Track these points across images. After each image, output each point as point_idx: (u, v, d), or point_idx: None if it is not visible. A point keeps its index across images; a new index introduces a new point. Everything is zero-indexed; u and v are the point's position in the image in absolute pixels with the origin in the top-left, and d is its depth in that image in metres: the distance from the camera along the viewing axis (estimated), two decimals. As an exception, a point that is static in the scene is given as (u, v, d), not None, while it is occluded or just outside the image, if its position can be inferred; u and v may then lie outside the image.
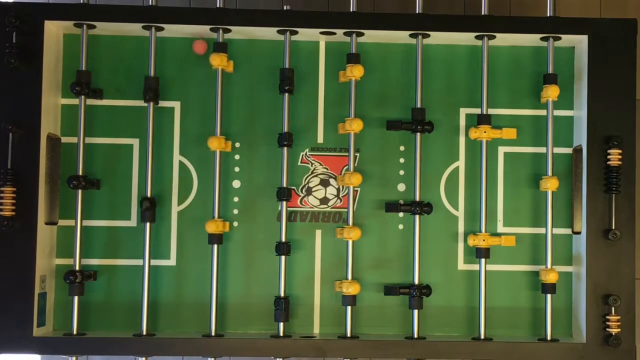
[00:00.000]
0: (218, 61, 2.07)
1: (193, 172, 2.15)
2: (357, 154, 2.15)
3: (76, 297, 2.04)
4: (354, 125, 2.07)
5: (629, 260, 2.05)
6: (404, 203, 2.13)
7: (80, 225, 2.06)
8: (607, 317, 2.03)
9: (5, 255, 1.99)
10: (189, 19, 2.08)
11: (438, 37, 2.13)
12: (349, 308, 2.07)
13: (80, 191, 2.05)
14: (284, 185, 2.10)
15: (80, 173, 2.05)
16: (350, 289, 2.05)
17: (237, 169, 2.16)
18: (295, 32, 2.11)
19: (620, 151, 2.05)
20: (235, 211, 2.15)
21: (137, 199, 2.12)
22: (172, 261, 2.13)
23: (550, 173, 2.09)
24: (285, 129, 2.10)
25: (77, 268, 2.05)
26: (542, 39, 2.12)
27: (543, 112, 2.14)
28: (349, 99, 2.10)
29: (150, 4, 2.11)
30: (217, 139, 2.07)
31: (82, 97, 2.06)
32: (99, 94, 2.11)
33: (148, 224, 2.06)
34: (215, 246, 2.06)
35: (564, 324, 2.14)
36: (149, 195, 2.07)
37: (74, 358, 2.06)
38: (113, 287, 2.12)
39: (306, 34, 2.13)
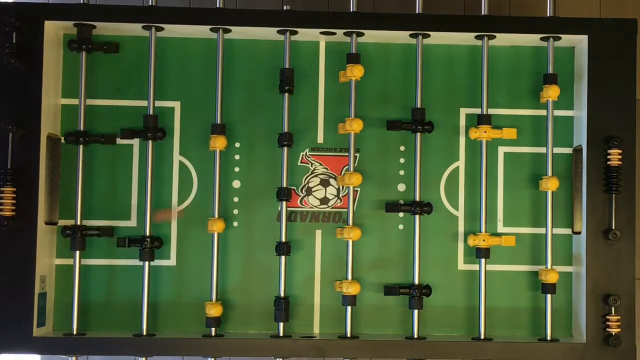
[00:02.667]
0: (221, 144, 2.07)
1: (193, 172, 2.15)
2: (357, 154, 2.15)
3: (76, 296, 2.04)
4: (354, 125, 2.07)
5: (629, 260, 2.05)
6: (404, 203, 2.13)
7: (82, 184, 2.06)
8: (607, 317, 2.03)
9: (5, 255, 1.99)
10: (189, 19, 2.08)
11: (438, 37, 2.13)
12: (349, 308, 2.07)
13: (80, 188, 2.06)
14: (284, 185, 2.09)
15: (82, 129, 2.07)
16: (350, 289, 2.05)
17: (237, 169, 2.16)
18: (295, 32, 2.11)
19: (620, 151, 2.05)
20: (235, 211, 2.15)
21: (137, 199, 2.12)
22: (172, 261, 2.13)
23: (550, 173, 2.09)
24: (285, 129, 2.09)
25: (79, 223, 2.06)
26: (542, 39, 2.12)
27: (543, 112, 2.14)
28: (349, 99, 2.10)
29: (150, 4, 2.11)
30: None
31: (83, 53, 2.07)
32: (113, 47, 2.11)
33: (148, 224, 2.06)
34: (216, 246, 2.06)
35: (564, 324, 2.14)
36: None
37: (74, 358, 2.06)
38: (113, 287, 2.12)
39: (306, 34, 2.12)
